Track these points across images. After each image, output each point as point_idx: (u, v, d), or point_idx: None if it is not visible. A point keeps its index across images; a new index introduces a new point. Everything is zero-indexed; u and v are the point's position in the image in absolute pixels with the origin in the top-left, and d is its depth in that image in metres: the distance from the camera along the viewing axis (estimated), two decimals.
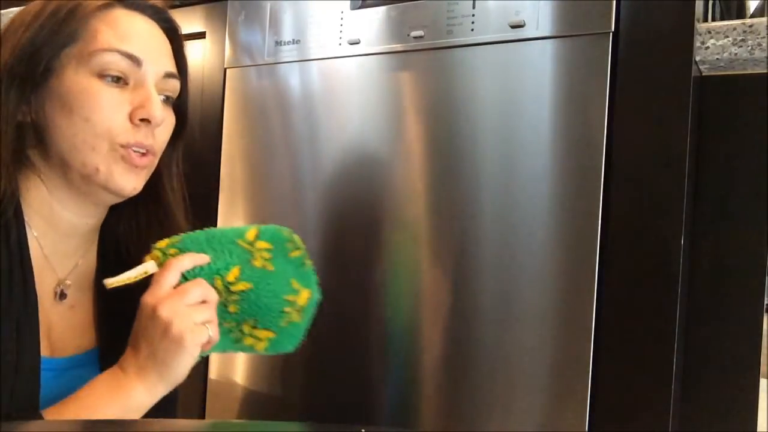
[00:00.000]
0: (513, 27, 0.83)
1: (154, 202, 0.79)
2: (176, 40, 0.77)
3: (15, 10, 1.42)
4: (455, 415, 0.87)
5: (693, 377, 0.83)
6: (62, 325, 0.74)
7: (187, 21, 1.12)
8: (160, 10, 0.75)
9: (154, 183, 0.78)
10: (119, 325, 0.77)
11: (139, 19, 0.72)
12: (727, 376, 0.82)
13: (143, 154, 0.71)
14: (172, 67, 0.74)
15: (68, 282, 0.75)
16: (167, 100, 0.75)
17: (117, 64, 0.68)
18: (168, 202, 0.79)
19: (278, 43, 1.03)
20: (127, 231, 0.80)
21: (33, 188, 0.71)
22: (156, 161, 0.74)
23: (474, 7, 0.86)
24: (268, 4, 1.05)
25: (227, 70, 1.09)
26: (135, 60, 0.69)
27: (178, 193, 0.81)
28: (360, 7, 0.96)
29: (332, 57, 0.98)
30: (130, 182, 0.71)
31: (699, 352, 0.83)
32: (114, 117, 0.68)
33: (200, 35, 1.13)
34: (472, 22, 0.86)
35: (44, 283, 0.72)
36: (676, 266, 0.75)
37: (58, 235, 0.73)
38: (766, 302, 0.84)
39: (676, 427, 0.80)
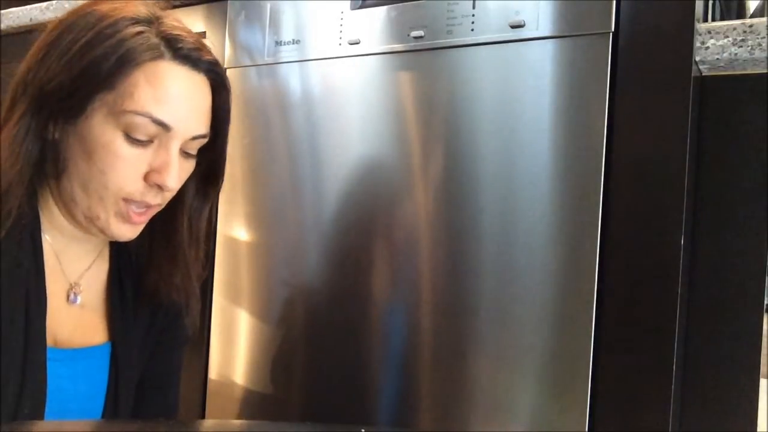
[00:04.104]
0: (513, 27, 0.83)
1: (166, 239, 0.79)
2: (221, 93, 0.74)
3: (14, 10, 1.42)
4: (455, 414, 0.87)
5: (693, 377, 0.83)
6: (70, 324, 0.75)
7: (187, 21, 1.11)
8: (213, 64, 0.72)
9: (170, 224, 0.77)
10: (130, 322, 0.79)
11: (185, 75, 0.69)
12: (727, 376, 0.82)
13: (147, 209, 0.71)
14: (203, 129, 0.72)
15: (80, 285, 0.76)
16: (188, 154, 0.73)
17: (146, 127, 0.66)
18: (179, 243, 0.78)
19: (278, 43, 1.03)
20: (138, 247, 0.80)
21: (47, 202, 0.72)
22: (160, 208, 0.74)
23: (474, 7, 0.86)
24: (268, 4, 1.05)
25: (227, 70, 1.09)
26: (165, 126, 0.67)
27: (197, 241, 0.80)
28: (360, 7, 0.96)
29: (332, 57, 0.98)
30: (127, 233, 0.71)
31: (699, 352, 0.83)
32: (129, 176, 0.68)
33: (200, 35, 1.13)
34: (472, 22, 0.86)
35: (56, 286, 0.73)
36: (676, 266, 0.75)
37: (70, 241, 0.74)
38: (766, 302, 0.84)
39: (676, 427, 0.80)
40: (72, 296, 0.75)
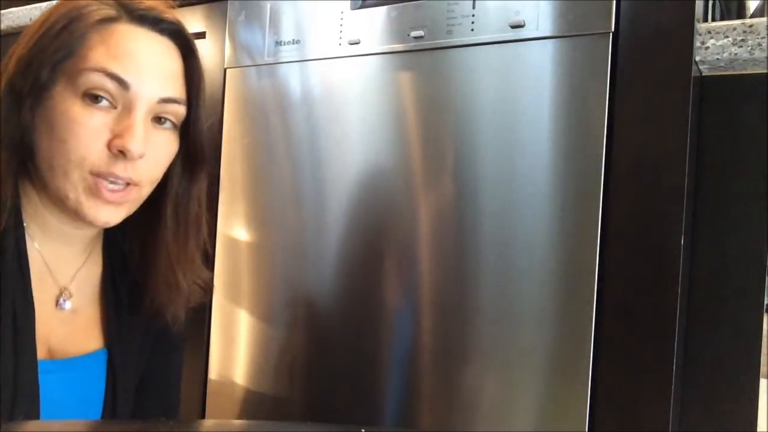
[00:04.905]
0: (513, 27, 0.83)
1: (152, 232, 0.75)
2: (190, 59, 0.71)
3: (14, 10, 1.42)
4: (455, 414, 0.87)
5: (693, 377, 0.83)
6: (63, 330, 0.73)
7: (187, 21, 1.11)
8: (174, 25, 0.70)
9: (154, 215, 0.74)
10: (126, 327, 0.77)
11: (144, 36, 0.67)
12: (727, 376, 0.82)
13: (123, 188, 0.66)
14: (173, 92, 0.68)
15: (71, 290, 0.74)
16: (168, 125, 0.70)
17: (103, 85, 0.64)
18: (163, 237, 0.74)
19: (278, 43, 1.03)
20: (130, 247, 0.78)
21: (30, 198, 0.69)
22: (144, 192, 0.70)
23: (474, 7, 0.86)
24: (268, 4, 1.05)
25: (227, 70, 1.09)
26: (122, 82, 0.64)
27: (186, 231, 0.75)
28: (360, 7, 0.96)
29: (332, 57, 0.98)
30: (102, 215, 0.66)
31: (699, 352, 0.83)
32: (90, 143, 0.64)
33: (200, 35, 1.13)
34: (472, 22, 0.86)
35: (45, 291, 0.71)
36: (676, 266, 0.75)
37: (57, 243, 0.72)
38: (766, 302, 0.84)
39: (676, 427, 0.80)
40: (61, 301, 0.72)
